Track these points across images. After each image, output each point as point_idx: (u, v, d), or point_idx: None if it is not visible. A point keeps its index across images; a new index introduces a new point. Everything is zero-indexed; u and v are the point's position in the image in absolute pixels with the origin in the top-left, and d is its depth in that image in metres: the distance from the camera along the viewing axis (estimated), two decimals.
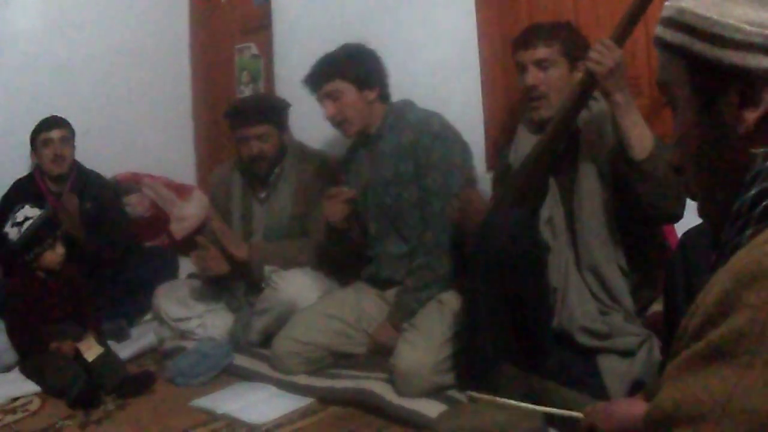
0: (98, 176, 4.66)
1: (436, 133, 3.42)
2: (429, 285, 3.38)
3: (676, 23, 1.01)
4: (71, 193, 4.32)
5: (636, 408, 1.70)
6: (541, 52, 2.97)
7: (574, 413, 2.00)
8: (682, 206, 2.69)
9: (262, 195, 4.10)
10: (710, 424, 0.62)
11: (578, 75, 2.93)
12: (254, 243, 3.98)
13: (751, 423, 0.60)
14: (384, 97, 3.60)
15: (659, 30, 1.06)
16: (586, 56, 2.67)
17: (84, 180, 4.50)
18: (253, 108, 4.03)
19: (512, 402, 2.25)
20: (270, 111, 4.03)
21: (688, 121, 1.02)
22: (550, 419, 2.39)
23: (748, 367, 0.62)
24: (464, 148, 3.51)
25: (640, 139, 2.63)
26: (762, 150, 0.90)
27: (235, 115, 4.01)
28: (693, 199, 1.13)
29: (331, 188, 3.65)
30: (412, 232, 3.51)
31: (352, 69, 3.51)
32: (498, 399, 2.28)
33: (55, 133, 4.37)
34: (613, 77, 2.60)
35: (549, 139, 2.88)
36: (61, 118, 4.44)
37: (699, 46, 0.98)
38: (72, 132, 4.47)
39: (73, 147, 4.48)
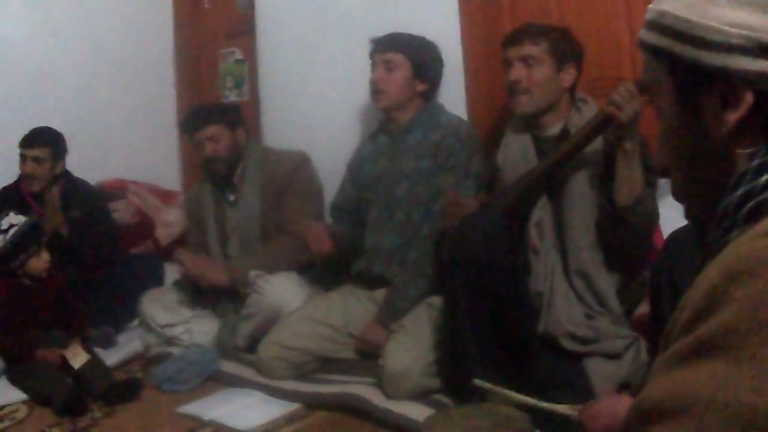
0: (85, 184, 4.61)
1: (462, 138, 3.46)
2: (418, 281, 3.39)
3: (658, 26, 1.02)
4: (52, 193, 4.30)
5: (622, 405, 1.70)
6: (527, 49, 3.01)
7: (570, 412, 2.01)
8: (647, 251, 2.89)
9: (232, 198, 4.12)
10: (696, 417, 0.63)
11: (565, 76, 2.98)
12: (236, 263, 3.97)
13: (736, 417, 0.60)
14: (428, 96, 3.68)
15: (642, 33, 1.07)
16: (608, 98, 2.67)
17: (71, 188, 4.44)
18: (200, 112, 4.13)
19: (516, 395, 2.26)
20: (216, 112, 4.11)
21: (671, 123, 1.02)
22: (538, 424, 2.40)
23: (736, 362, 0.63)
24: (484, 161, 3.48)
25: (631, 185, 2.69)
26: (746, 151, 0.90)
27: (186, 122, 4.14)
28: (678, 200, 1.13)
29: (312, 224, 3.68)
30: (411, 227, 3.52)
31: (417, 53, 3.60)
32: (503, 391, 2.29)
33: (29, 152, 4.28)
34: (629, 124, 2.62)
35: (552, 164, 2.91)
36: (45, 134, 4.34)
37: (680, 48, 0.98)
38: (54, 150, 4.35)
39: (54, 164, 4.35)
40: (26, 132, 4.29)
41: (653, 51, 1.05)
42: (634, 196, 2.68)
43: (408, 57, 3.58)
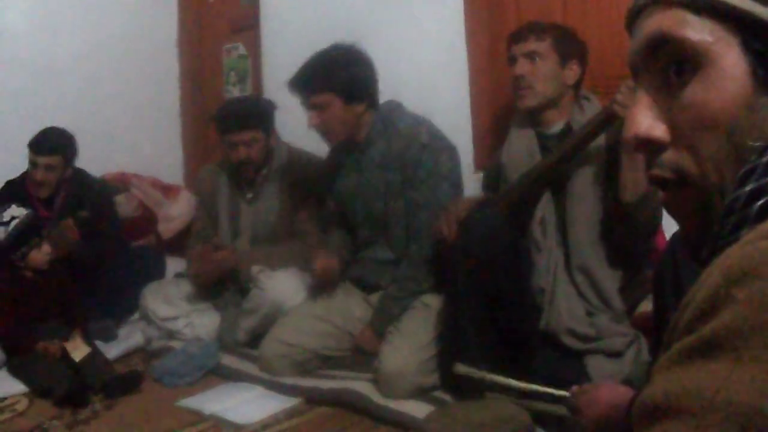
0: (95, 184, 4.58)
1: (425, 144, 3.38)
2: (412, 295, 3.38)
3: None
4: (67, 222, 4.11)
5: (620, 394, 1.70)
6: (532, 44, 3.02)
7: (561, 392, 2.01)
8: (649, 248, 2.92)
9: (249, 196, 4.10)
10: (697, 416, 0.62)
11: (568, 72, 2.99)
12: (243, 251, 3.97)
13: (738, 416, 0.60)
14: (372, 105, 3.53)
15: None
16: (612, 98, 2.71)
17: (79, 189, 4.39)
18: (240, 113, 3.99)
19: (500, 378, 2.27)
20: (257, 116, 4.00)
21: (727, 94, 0.87)
22: (537, 418, 2.40)
23: (738, 362, 0.63)
24: (452, 156, 3.46)
25: (635, 183, 2.69)
26: (757, 144, 0.85)
27: (223, 120, 3.99)
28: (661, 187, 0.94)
29: (320, 261, 3.57)
30: (398, 241, 3.50)
31: (340, 81, 3.41)
32: (486, 375, 2.31)
33: (40, 159, 4.20)
34: None
35: (556, 161, 2.92)
36: (56, 141, 4.24)
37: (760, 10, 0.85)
38: (65, 157, 4.27)
39: (64, 170, 4.29)
40: (29, 126, 4.23)
41: (715, 8, 0.88)
42: (639, 193, 2.68)
43: (333, 91, 3.41)
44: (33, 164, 4.22)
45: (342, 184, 3.67)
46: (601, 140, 2.88)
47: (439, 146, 3.42)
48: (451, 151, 3.47)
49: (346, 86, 3.42)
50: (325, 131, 3.51)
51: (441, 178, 3.38)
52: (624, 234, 2.82)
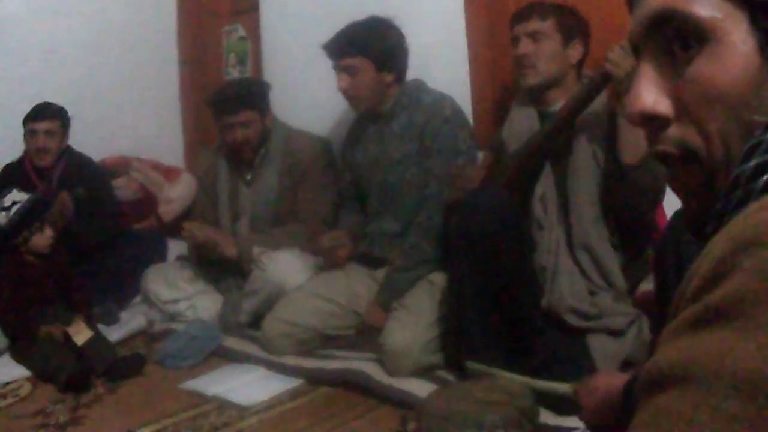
0: (90, 161, 4.62)
1: (447, 117, 3.44)
2: (418, 265, 3.39)
3: None
4: (64, 192, 4.25)
5: (617, 380, 1.70)
6: (535, 24, 3.02)
7: (564, 387, 2.02)
8: (653, 213, 2.88)
9: (248, 177, 4.10)
10: (703, 384, 0.62)
11: (571, 52, 2.99)
12: (243, 237, 3.98)
13: (743, 384, 0.60)
14: (400, 79, 3.59)
15: None
16: (605, 57, 2.71)
17: (75, 166, 4.45)
18: (234, 95, 3.99)
19: (507, 374, 2.29)
20: (251, 97, 4.00)
21: (735, 71, 0.86)
22: (540, 399, 2.40)
23: (743, 331, 0.62)
24: (471, 135, 3.52)
25: (636, 145, 2.68)
26: (764, 119, 0.85)
27: (217, 103, 4.00)
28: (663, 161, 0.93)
29: (328, 238, 3.68)
30: (408, 212, 3.53)
31: (375, 48, 3.50)
32: (494, 370, 2.33)
33: (40, 125, 4.31)
34: (627, 80, 2.63)
35: (553, 128, 2.92)
36: (52, 108, 4.36)
37: None
38: (62, 123, 4.40)
39: (63, 138, 4.42)
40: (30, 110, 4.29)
41: None
42: (640, 154, 2.67)
43: (366, 56, 3.50)
44: (32, 133, 4.33)
45: (360, 153, 3.73)
46: (600, 107, 2.88)
47: (460, 122, 3.50)
48: (469, 130, 3.54)
49: (379, 53, 3.51)
50: (352, 96, 3.58)
51: (458, 152, 3.42)
52: (627, 199, 2.78)
